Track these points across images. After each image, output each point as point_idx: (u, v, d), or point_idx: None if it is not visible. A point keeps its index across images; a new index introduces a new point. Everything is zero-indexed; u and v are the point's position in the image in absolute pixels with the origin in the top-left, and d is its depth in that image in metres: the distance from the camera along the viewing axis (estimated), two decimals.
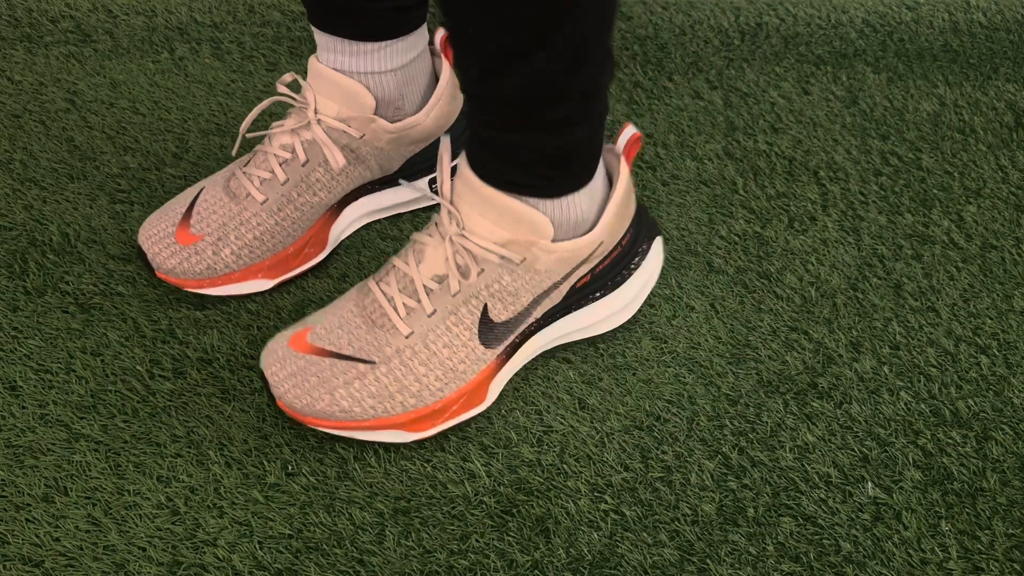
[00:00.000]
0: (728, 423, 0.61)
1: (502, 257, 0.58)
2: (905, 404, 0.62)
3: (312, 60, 0.68)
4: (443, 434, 0.61)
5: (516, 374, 0.65)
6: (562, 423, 0.62)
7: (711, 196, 0.78)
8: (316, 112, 0.67)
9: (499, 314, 0.60)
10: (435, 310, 0.59)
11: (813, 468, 0.59)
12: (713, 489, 0.58)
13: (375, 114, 0.68)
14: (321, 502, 0.58)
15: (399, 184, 0.74)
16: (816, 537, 0.56)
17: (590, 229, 0.60)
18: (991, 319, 0.68)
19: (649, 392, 0.64)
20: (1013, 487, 0.58)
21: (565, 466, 0.59)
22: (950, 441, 0.60)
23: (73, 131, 0.86)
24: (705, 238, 0.74)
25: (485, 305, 0.59)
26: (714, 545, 0.55)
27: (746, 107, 0.88)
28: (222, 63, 0.95)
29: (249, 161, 0.69)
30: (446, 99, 0.71)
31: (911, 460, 0.59)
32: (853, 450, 0.60)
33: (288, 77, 0.69)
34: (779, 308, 0.69)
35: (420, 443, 0.61)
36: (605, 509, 0.57)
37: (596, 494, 0.58)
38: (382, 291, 0.60)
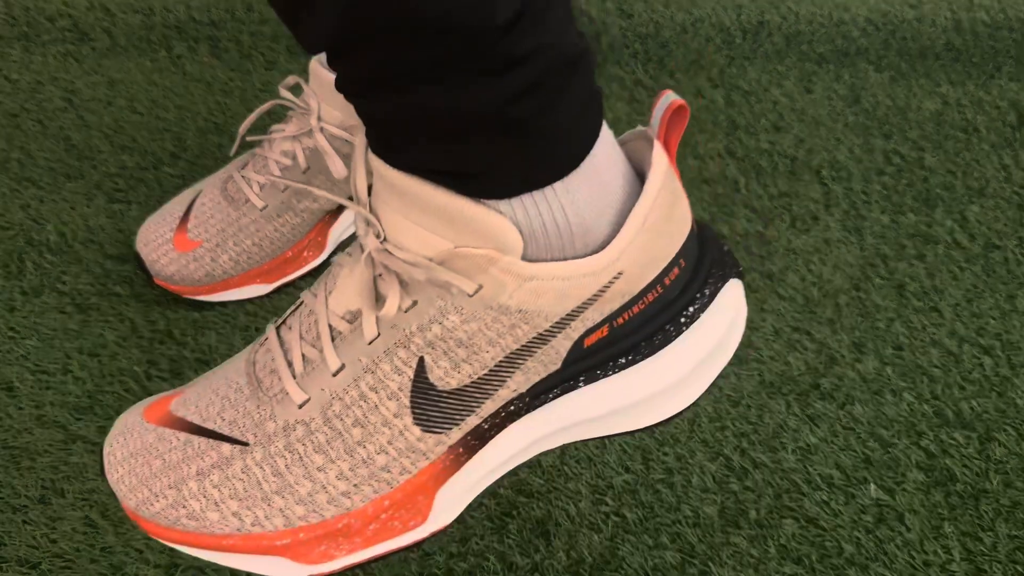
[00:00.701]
0: (730, 424, 0.61)
1: (443, 283, 0.37)
2: (908, 405, 0.62)
3: (314, 63, 0.67)
4: None
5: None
6: None
7: (713, 195, 0.78)
8: (319, 120, 0.67)
9: (445, 377, 0.39)
10: (343, 365, 0.39)
11: (815, 470, 0.58)
12: (715, 491, 0.58)
13: None
14: None
15: None
16: (818, 539, 0.55)
17: (600, 249, 0.39)
18: (994, 320, 0.67)
19: None
20: (1016, 488, 0.57)
21: (565, 468, 0.59)
22: (953, 442, 0.60)
23: (70, 130, 0.85)
24: None
25: (421, 360, 0.38)
26: (716, 547, 0.55)
27: (748, 106, 0.87)
28: (220, 61, 0.94)
29: (247, 164, 0.69)
30: None
31: (914, 461, 0.59)
32: (856, 451, 0.59)
33: (291, 80, 0.69)
34: (781, 308, 0.68)
35: None
36: (606, 511, 0.57)
37: (597, 496, 0.58)
38: (280, 338, 0.41)
